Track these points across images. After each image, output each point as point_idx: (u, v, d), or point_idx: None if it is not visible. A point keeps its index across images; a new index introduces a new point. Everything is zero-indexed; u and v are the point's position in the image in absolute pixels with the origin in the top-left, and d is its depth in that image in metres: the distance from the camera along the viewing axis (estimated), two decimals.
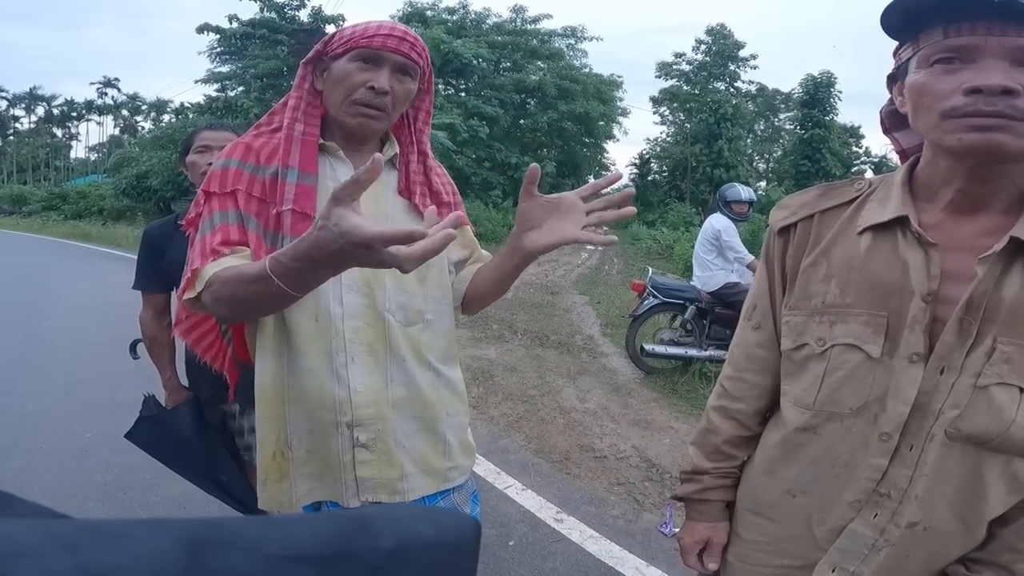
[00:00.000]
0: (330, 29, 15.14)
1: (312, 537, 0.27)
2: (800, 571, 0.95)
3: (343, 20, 14.80)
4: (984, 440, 0.80)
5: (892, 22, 0.79)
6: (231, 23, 15.59)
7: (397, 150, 1.19)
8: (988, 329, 0.77)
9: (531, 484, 2.93)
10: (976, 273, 0.77)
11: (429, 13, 22.35)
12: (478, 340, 5.56)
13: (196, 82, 17.97)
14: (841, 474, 0.89)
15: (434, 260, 1.10)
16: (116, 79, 52.05)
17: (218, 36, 15.99)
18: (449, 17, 22.94)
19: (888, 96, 0.90)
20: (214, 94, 17.57)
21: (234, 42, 15.65)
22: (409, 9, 22.12)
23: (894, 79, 0.85)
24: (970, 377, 0.78)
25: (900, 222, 0.83)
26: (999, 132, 0.71)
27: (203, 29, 15.68)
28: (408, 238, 0.76)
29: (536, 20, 23.76)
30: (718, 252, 4.44)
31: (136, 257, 1.94)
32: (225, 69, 17.06)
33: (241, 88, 16.77)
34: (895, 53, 0.84)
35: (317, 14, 14.48)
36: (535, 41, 23.29)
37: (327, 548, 0.27)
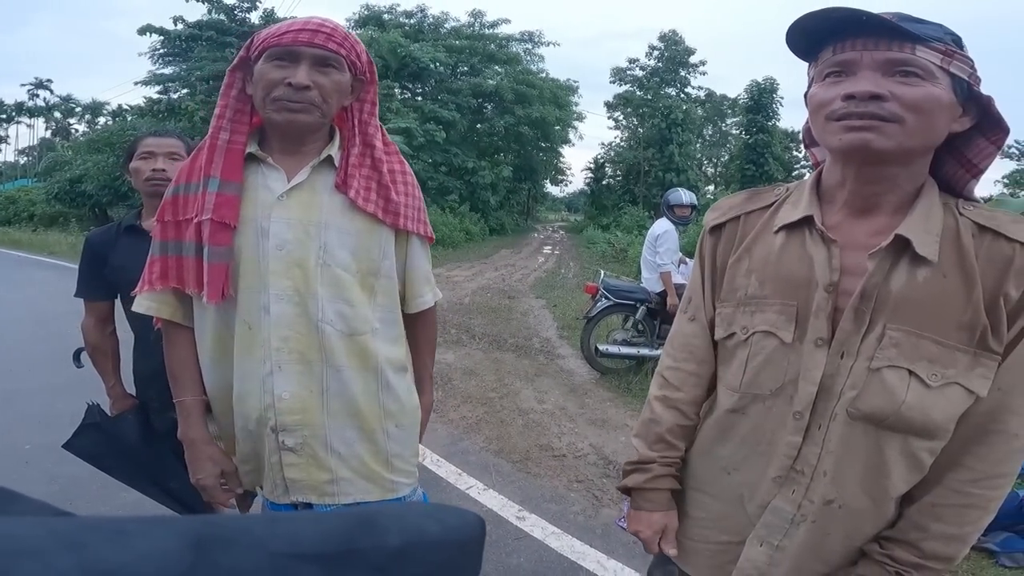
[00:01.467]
0: None
1: (318, 535, 0.27)
2: (738, 547, 1.01)
3: None
4: (880, 419, 0.87)
5: (795, 44, 0.88)
6: (176, 25, 15.07)
7: (334, 152, 1.15)
8: (879, 317, 0.85)
9: (492, 484, 2.95)
10: (867, 267, 0.86)
11: (386, 17, 22.17)
12: (436, 344, 5.53)
13: (136, 84, 17.25)
14: (765, 452, 0.96)
15: (382, 269, 1.13)
16: (49, 80, 49.46)
17: (161, 37, 15.43)
18: (407, 21, 22.81)
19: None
20: (156, 96, 16.93)
21: (178, 44, 15.11)
22: (366, 12, 21.89)
23: (806, 97, 0.93)
24: (865, 360, 0.86)
25: (807, 221, 0.92)
26: (868, 132, 0.80)
27: (145, 31, 15.11)
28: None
29: (494, 25, 23.92)
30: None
31: (76, 265, 1.88)
32: (168, 71, 16.49)
33: (185, 90, 16.21)
34: (807, 73, 0.93)
35: (269, 16, 14.13)
36: (493, 46, 23.42)
37: (333, 546, 0.27)
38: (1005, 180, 34.61)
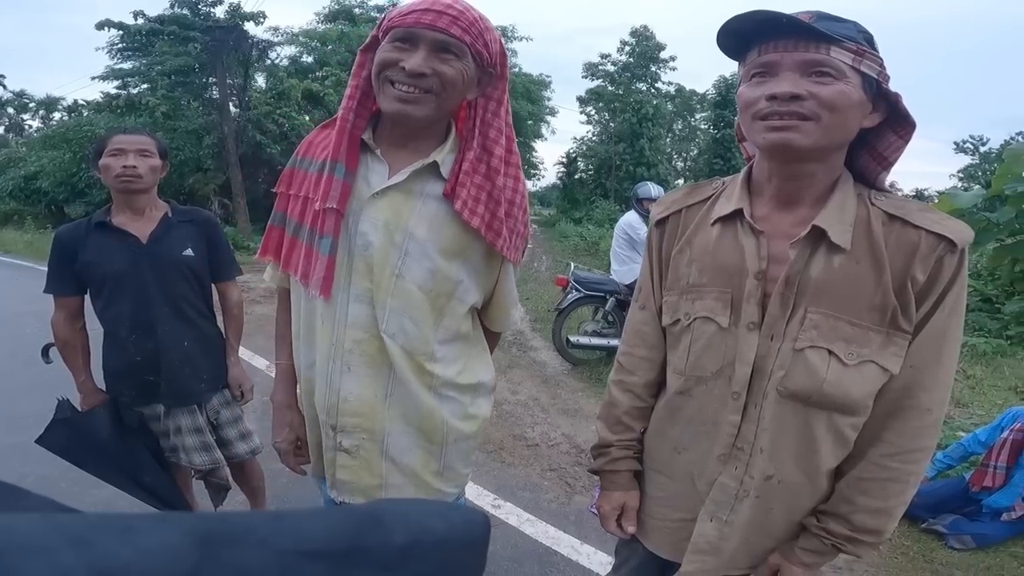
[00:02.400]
0: (249, 26, 14.41)
1: (324, 532, 0.27)
2: (693, 523, 1.07)
3: (264, 18, 14.14)
4: (806, 397, 0.93)
5: (725, 45, 0.93)
6: (136, 19, 14.58)
7: (442, 156, 1.06)
8: (801, 301, 0.92)
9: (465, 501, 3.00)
10: (789, 256, 0.92)
11: (357, 11, 21.80)
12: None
13: (94, 79, 16.66)
14: (710, 431, 1.02)
15: (457, 292, 1.09)
16: (1, 76, 47.44)
17: (120, 32, 14.92)
18: (379, 15, 22.48)
19: None
20: (114, 91, 16.40)
21: (139, 38, 14.62)
22: (336, 6, 21.51)
23: (737, 95, 0.99)
24: (791, 342, 0.93)
25: (739, 214, 0.98)
26: (789, 131, 0.86)
27: (103, 25, 14.61)
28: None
29: None
30: (631, 246, 4.66)
31: (33, 263, 1.86)
32: (127, 66, 15.96)
33: (146, 86, 15.73)
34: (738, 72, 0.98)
35: (235, 11, 13.78)
36: None
37: (338, 543, 0.27)
38: (960, 174, 35.85)
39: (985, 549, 2.55)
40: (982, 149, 37.38)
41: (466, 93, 1.04)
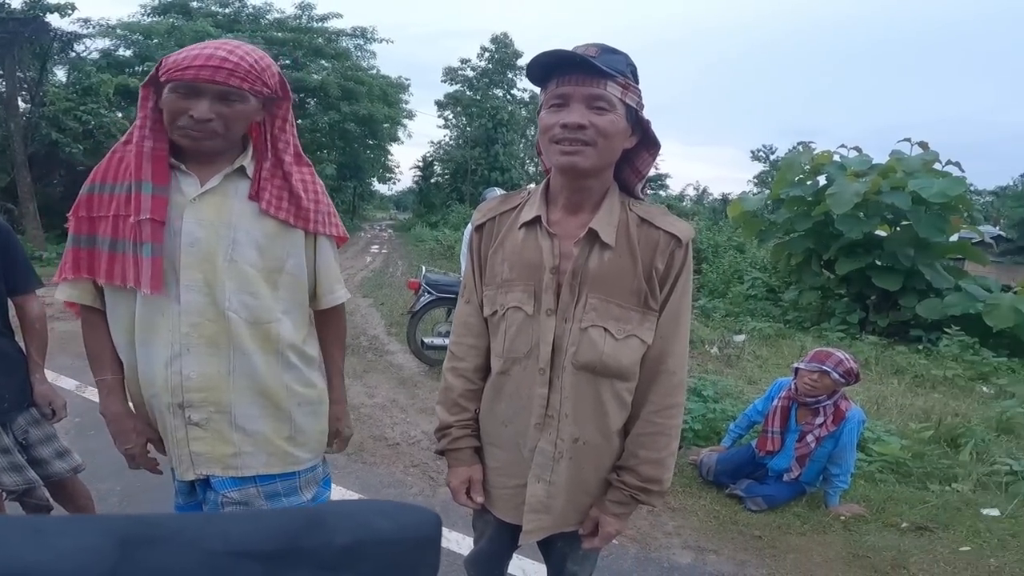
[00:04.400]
0: (53, 19, 12.46)
1: (258, 533, 0.26)
2: (523, 489, 1.25)
3: (72, 9, 12.32)
4: (592, 367, 1.17)
5: (533, 75, 1.14)
6: None
7: (246, 162, 1.24)
8: (584, 289, 1.16)
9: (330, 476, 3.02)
10: (574, 253, 1.17)
11: (195, 4, 19.86)
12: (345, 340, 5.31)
13: None
14: (527, 405, 1.22)
15: (286, 267, 1.27)
16: None
17: None
18: (220, 10, 20.68)
19: None
20: None
21: None
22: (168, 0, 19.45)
23: (538, 118, 1.18)
24: (578, 323, 1.17)
25: (538, 220, 1.20)
26: (576, 155, 1.10)
27: None
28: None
29: (324, 19, 22.67)
30: None
31: None
32: None
33: None
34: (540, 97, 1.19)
35: (36, 2, 11.84)
36: (321, 40, 22.21)
37: (274, 544, 0.26)
38: (755, 180, 41.50)
39: (775, 509, 2.88)
40: (772, 157, 43.41)
41: (253, 119, 1.23)
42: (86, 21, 15.49)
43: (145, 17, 18.97)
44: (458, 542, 2.45)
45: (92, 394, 3.75)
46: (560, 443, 1.20)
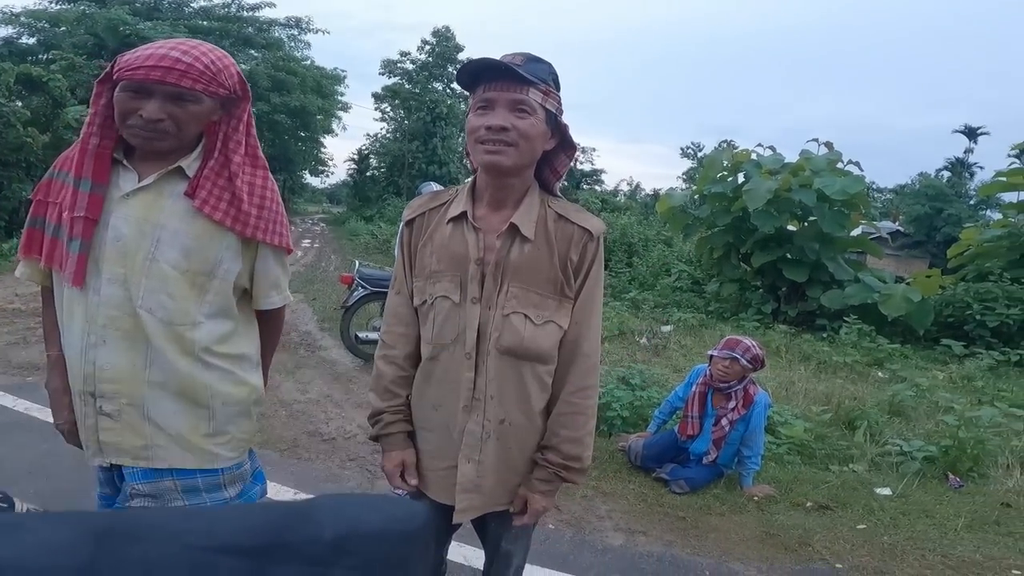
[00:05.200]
0: None
1: (243, 528, 0.27)
2: (454, 470, 1.31)
3: None
4: (514, 351, 1.26)
5: (463, 81, 1.22)
6: None
7: (187, 163, 1.22)
8: (505, 278, 1.25)
9: (262, 471, 2.97)
10: (497, 245, 1.26)
11: None
12: (279, 342, 5.09)
13: None
14: (455, 388, 1.29)
15: (217, 272, 1.26)
16: None
17: None
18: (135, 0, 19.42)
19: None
20: None
21: None
22: None
23: (466, 121, 1.26)
24: (500, 309, 1.25)
25: (464, 215, 1.28)
26: (498, 155, 1.19)
27: None
28: None
29: (256, 8, 21.63)
30: None
31: None
32: None
33: None
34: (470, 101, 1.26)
35: None
36: (250, 29, 21.25)
37: (259, 539, 0.26)
38: (683, 176, 43.08)
39: (697, 491, 3.04)
40: (699, 154, 45.17)
41: (208, 119, 1.22)
42: None
43: (53, 4, 17.68)
44: None
45: None
46: (487, 424, 1.27)
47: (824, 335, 8.04)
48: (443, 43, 28.23)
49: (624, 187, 45.99)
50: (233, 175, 1.25)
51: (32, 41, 16.45)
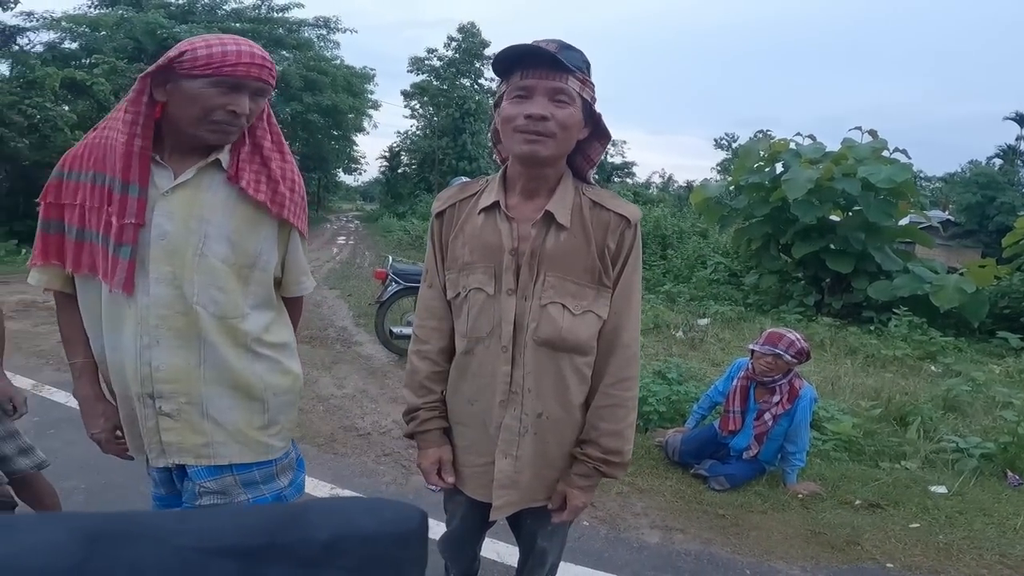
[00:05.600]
0: None
1: (234, 530, 0.27)
2: (491, 466, 1.29)
3: (15, 2, 11.79)
4: (552, 342, 1.23)
5: (500, 67, 1.18)
6: None
7: (223, 155, 1.23)
8: (541, 268, 1.22)
9: (303, 458, 3.02)
10: (531, 234, 1.22)
11: None
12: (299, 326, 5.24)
13: None
14: (491, 383, 1.26)
15: (258, 263, 1.27)
16: None
17: None
18: (173, 0, 20.01)
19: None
20: None
21: None
22: None
23: (496, 106, 1.24)
24: (537, 300, 1.22)
25: (497, 205, 1.25)
26: (536, 144, 1.16)
27: None
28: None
29: (285, 9, 22.04)
30: None
31: None
32: None
33: None
34: (498, 88, 1.24)
35: None
36: (281, 30, 21.63)
37: (252, 540, 0.26)
38: (717, 167, 42.31)
39: (737, 488, 2.94)
40: (733, 145, 44.42)
41: None
42: (29, 14, 14.98)
43: (92, 9, 18.32)
44: (432, 528, 2.43)
45: (48, 393, 3.66)
46: (524, 418, 1.24)
47: (871, 328, 7.75)
48: (469, 39, 28.31)
49: (656, 179, 45.52)
50: (266, 159, 1.28)
51: (75, 46, 16.86)
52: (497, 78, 1.22)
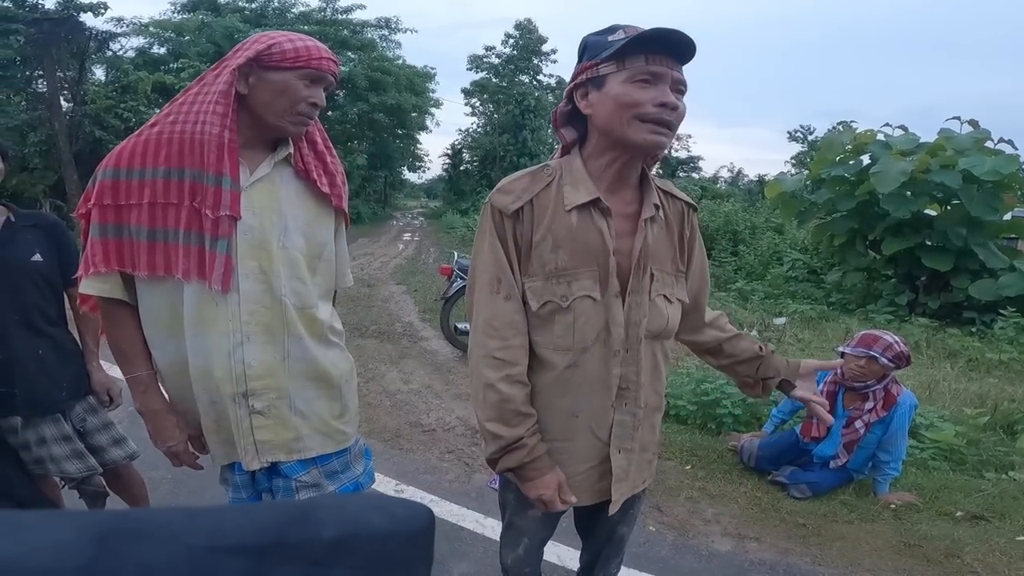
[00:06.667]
0: (87, 18, 12.87)
1: (245, 527, 0.26)
2: (597, 467, 1.23)
3: (104, 8, 12.64)
4: (659, 333, 1.22)
5: (630, 47, 1.05)
6: None
7: (291, 150, 1.26)
8: (648, 264, 1.18)
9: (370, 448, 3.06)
10: (635, 230, 1.17)
11: (222, 0, 20.34)
12: None
13: None
14: (599, 389, 1.18)
15: (324, 253, 1.30)
16: None
17: None
18: (247, 5, 21.13)
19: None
20: None
21: None
22: None
23: (577, 88, 1.14)
24: (645, 295, 1.18)
25: (594, 202, 1.14)
26: (662, 136, 1.09)
27: None
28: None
29: (348, 10, 22.83)
30: None
31: None
32: None
33: None
34: (582, 71, 1.12)
35: (69, 2, 12.20)
36: (346, 31, 22.36)
37: (261, 538, 0.26)
38: (792, 160, 40.32)
39: (820, 497, 2.79)
40: (810, 138, 42.12)
41: None
42: (119, 20, 16.07)
43: (175, 15, 19.49)
44: (494, 528, 2.42)
45: None
46: (639, 412, 1.24)
47: (973, 329, 7.11)
48: (526, 36, 28.32)
49: (724, 174, 43.89)
50: (320, 154, 1.32)
51: (162, 51, 17.94)
52: (594, 57, 1.11)
